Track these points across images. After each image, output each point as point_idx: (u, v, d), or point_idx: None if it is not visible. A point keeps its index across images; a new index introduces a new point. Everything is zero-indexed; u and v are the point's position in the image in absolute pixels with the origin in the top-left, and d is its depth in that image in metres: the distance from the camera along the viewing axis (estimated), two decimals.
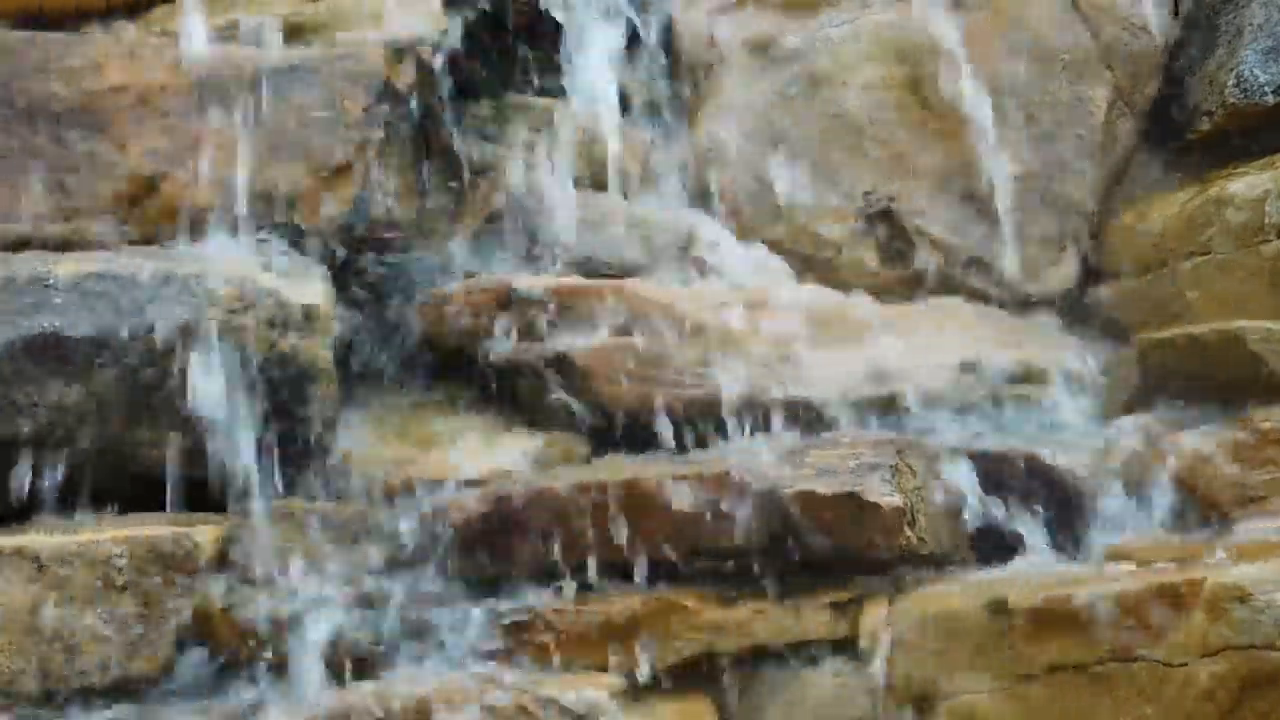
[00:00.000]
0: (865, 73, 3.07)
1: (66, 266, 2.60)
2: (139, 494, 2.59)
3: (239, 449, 2.58)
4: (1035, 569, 2.48)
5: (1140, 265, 2.98)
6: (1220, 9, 3.06)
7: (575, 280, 2.83)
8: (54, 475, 2.56)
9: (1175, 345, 2.73)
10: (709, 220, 3.02)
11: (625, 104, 3.08)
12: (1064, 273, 3.08)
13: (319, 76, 2.84)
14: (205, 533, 2.52)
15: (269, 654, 2.48)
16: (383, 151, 2.84)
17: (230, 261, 2.65)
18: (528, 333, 2.76)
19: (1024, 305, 3.05)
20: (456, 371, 2.80)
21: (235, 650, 2.48)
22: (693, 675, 2.48)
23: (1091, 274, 3.09)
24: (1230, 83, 2.97)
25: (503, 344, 2.76)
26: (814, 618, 2.49)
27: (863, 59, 3.07)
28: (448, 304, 2.79)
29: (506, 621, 2.50)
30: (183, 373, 2.55)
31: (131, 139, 2.79)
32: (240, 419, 2.58)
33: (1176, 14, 3.15)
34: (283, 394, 2.60)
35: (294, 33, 2.92)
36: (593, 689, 2.39)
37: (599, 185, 3.00)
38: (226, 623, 2.48)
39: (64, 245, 2.73)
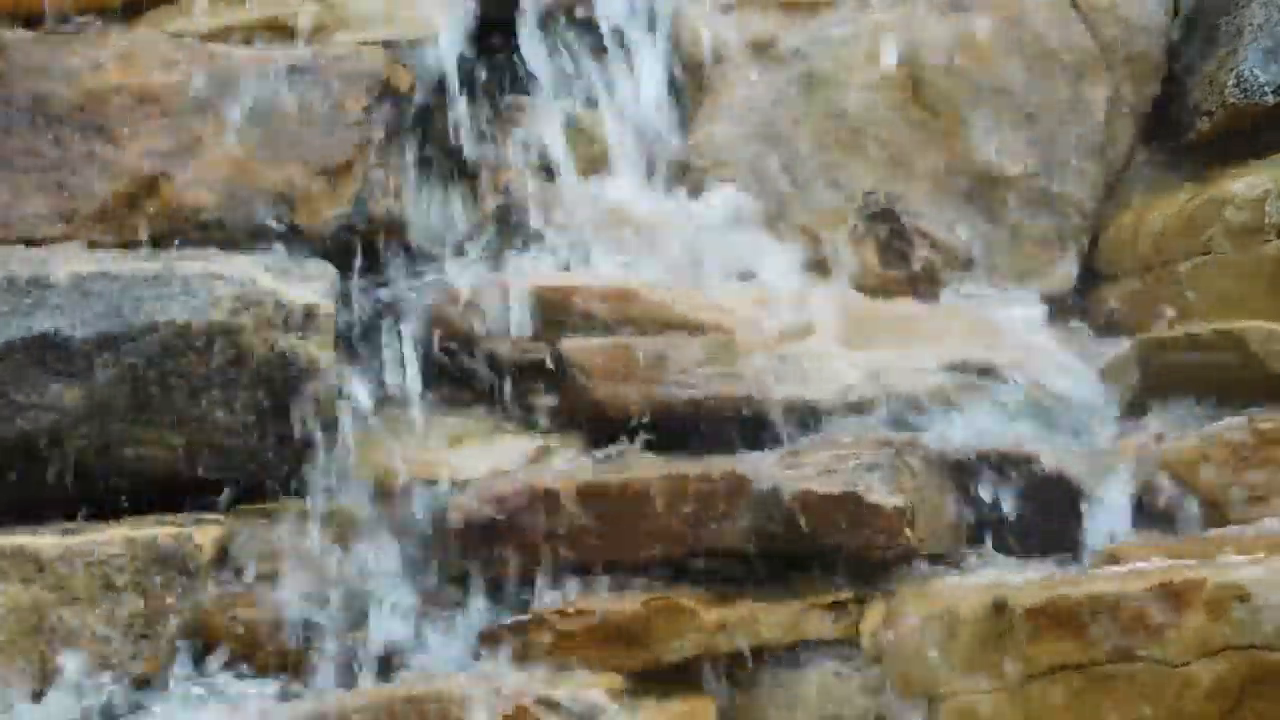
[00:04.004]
0: (865, 73, 3.07)
1: (66, 266, 2.60)
2: (139, 494, 2.59)
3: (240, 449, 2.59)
4: (1035, 569, 2.48)
5: (1140, 265, 2.98)
6: (1220, 9, 3.06)
7: (575, 280, 2.83)
8: (54, 475, 2.56)
9: (1175, 345, 2.73)
10: (710, 219, 3.02)
11: (625, 104, 3.08)
12: (1064, 273, 3.08)
13: (319, 76, 2.84)
14: (205, 533, 2.52)
15: (268, 655, 2.48)
16: (383, 151, 2.84)
17: (230, 261, 2.65)
18: (528, 332, 2.76)
19: (1024, 305, 3.05)
20: (457, 371, 2.80)
21: (234, 651, 2.49)
22: (693, 675, 2.48)
23: (1091, 274, 3.10)
24: (1230, 83, 2.97)
25: (503, 343, 2.76)
26: (814, 618, 2.49)
27: (863, 59, 3.07)
28: (447, 304, 2.79)
29: (506, 622, 2.50)
30: (183, 373, 2.55)
31: (131, 139, 2.79)
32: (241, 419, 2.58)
33: (1176, 14, 3.15)
34: (283, 394, 2.60)
35: (294, 33, 2.92)
36: (593, 689, 2.39)
37: (599, 185, 3.00)
38: (227, 623, 2.48)
39: (64, 245, 2.74)
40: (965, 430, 2.74)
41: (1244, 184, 2.84)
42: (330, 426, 2.65)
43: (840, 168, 3.06)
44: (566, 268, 2.89)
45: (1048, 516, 2.58)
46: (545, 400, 2.75)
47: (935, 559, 2.52)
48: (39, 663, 2.44)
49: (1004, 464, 2.61)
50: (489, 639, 2.50)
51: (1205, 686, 2.15)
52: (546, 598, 2.50)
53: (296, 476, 2.64)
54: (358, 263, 2.82)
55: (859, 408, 2.73)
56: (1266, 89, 2.95)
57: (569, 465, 2.67)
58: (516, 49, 3.06)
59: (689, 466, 2.56)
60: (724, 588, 2.51)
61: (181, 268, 2.61)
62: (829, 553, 2.49)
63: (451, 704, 2.35)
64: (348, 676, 2.48)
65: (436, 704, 2.35)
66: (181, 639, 2.48)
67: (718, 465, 2.55)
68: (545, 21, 3.06)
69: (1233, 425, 2.56)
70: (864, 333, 2.85)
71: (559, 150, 3.01)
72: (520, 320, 2.76)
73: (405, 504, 2.61)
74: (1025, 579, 2.40)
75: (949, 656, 2.33)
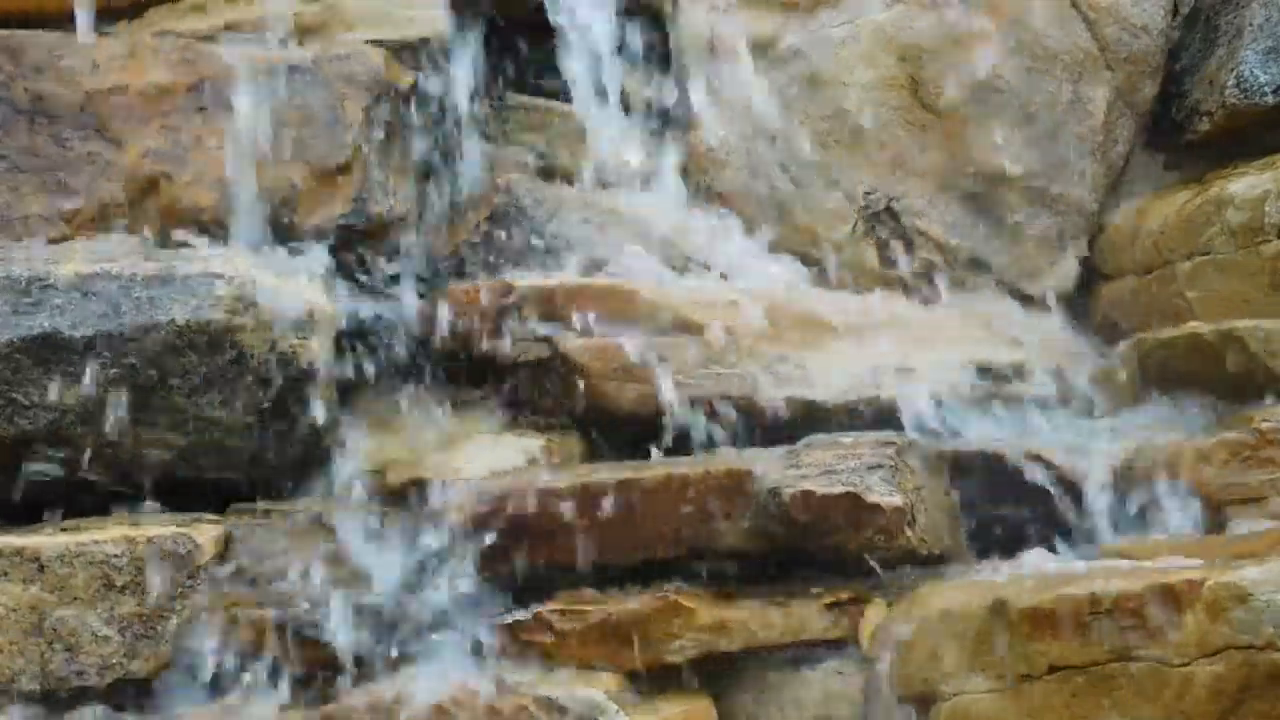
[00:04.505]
0: (865, 73, 3.07)
1: (66, 266, 2.60)
2: (139, 494, 2.59)
3: (240, 449, 2.59)
4: (1035, 569, 2.48)
5: (1140, 265, 2.98)
6: (1220, 9, 3.07)
7: (575, 280, 2.83)
8: (55, 475, 2.56)
9: (1175, 345, 2.73)
10: (710, 220, 3.02)
11: (626, 104, 3.08)
12: (1064, 273, 3.08)
13: (319, 76, 2.84)
14: (205, 533, 2.52)
15: (269, 655, 2.48)
16: (383, 151, 2.84)
17: (230, 261, 2.65)
18: (528, 332, 2.76)
19: (1024, 305, 3.05)
20: (457, 372, 2.80)
21: (234, 651, 2.48)
22: (693, 675, 2.48)
23: (1091, 274, 3.10)
24: (1230, 83, 2.97)
25: (503, 344, 2.76)
26: (814, 618, 2.49)
27: (863, 59, 3.07)
28: (448, 304, 2.79)
29: (507, 621, 2.50)
30: (183, 373, 2.56)
31: (131, 139, 2.79)
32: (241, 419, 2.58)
33: (1176, 14, 3.15)
34: (283, 394, 2.60)
35: (294, 33, 2.92)
36: (593, 689, 2.39)
37: (600, 185, 3.00)
38: (226, 624, 2.48)
39: (64, 245, 2.74)
40: (965, 429, 2.75)
41: (1244, 184, 2.85)
42: (330, 426, 2.65)
43: (840, 168, 3.06)
44: (567, 267, 2.89)
45: (1047, 516, 2.58)
46: (545, 400, 2.75)
47: (935, 559, 2.52)
48: (39, 663, 2.44)
49: (1003, 463, 2.61)
50: (490, 639, 2.50)
51: (1205, 686, 2.15)
52: (547, 598, 2.50)
53: (296, 476, 2.64)
54: (358, 263, 2.82)
55: (859, 407, 2.73)
56: (1266, 89, 2.96)
57: (569, 465, 2.67)
58: (517, 48, 3.07)
59: (689, 466, 2.56)
60: (724, 588, 2.51)
61: (181, 268, 2.61)
62: (828, 552, 2.49)
63: (453, 705, 2.35)
64: (348, 676, 2.47)
65: (438, 704, 2.35)
66: (182, 639, 2.48)
67: (718, 465, 2.55)
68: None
69: (1233, 425, 2.57)
70: (864, 332, 2.85)
71: (561, 150, 3.01)
72: (520, 320, 2.76)
73: (405, 503, 2.61)
74: (1025, 579, 2.40)
75: (948, 656, 2.33)
